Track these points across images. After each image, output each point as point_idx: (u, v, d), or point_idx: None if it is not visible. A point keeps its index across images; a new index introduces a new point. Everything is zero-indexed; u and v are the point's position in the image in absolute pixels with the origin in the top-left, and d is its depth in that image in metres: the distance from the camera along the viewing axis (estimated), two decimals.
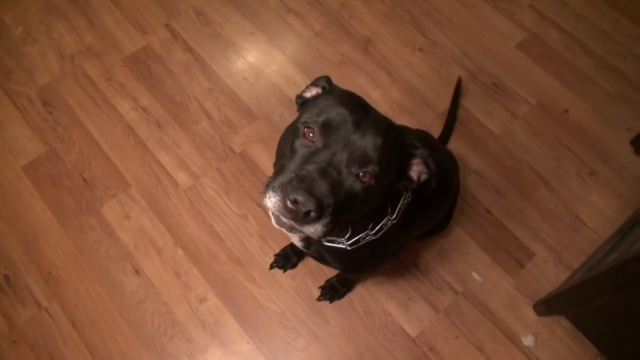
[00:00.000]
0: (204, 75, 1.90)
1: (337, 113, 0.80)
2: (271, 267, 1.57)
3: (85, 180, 1.71)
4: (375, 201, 0.87)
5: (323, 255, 1.10)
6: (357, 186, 0.79)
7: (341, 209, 0.77)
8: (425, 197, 1.07)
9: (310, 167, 0.75)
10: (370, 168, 0.79)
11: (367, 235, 0.97)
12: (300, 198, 0.72)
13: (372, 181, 0.80)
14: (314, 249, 1.10)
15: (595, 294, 1.28)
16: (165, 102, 1.84)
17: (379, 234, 0.97)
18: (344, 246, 0.98)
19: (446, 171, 1.27)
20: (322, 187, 0.74)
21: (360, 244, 0.98)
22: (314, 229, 0.76)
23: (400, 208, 0.97)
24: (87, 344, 1.48)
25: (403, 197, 0.97)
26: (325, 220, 0.75)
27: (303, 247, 1.11)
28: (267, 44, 1.98)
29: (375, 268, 1.25)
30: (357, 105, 0.84)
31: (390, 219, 0.97)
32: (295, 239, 1.10)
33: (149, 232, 1.63)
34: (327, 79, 0.95)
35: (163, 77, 1.89)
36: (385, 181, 0.85)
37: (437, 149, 1.34)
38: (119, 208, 1.66)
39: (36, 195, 1.68)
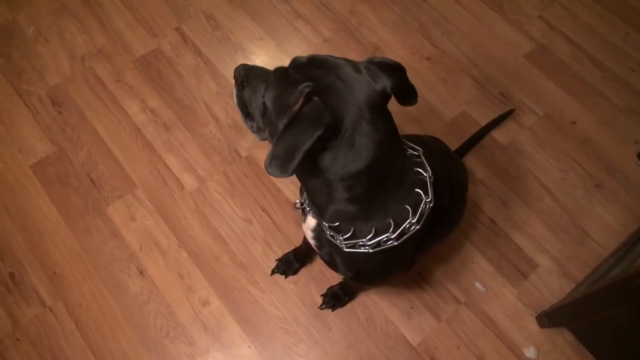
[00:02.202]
0: (213, 79, 1.91)
1: None
2: (272, 272, 1.57)
3: (92, 181, 1.72)
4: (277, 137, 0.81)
5: (334, 260, 1.07)
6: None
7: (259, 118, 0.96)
8: (441, 208, 1.03)
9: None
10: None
11: (388, 239, 0.93)
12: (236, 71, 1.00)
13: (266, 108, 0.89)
14: (325, 250, 1.08)
15: (599, 307, 1.27)
16: (173, 105, 1.86)
17: (401, 240, 0.93)
18: (365, 250, 0.94)
19: (460, 180, 1.26)
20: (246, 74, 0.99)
21: (382, 247, 0.94)
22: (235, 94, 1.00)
23: (422, 213, 0.92)
24: (90, 344, 1.49)
25: (424, 201, 0.92)
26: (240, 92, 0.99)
27: (315, 245, 1.10)
28: (276, 49, 1.99)
29: (383, 280, 1.22)
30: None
31: (412, 222, 0.92)
32: (309, 235, 1.09)
33: (154, 233, 1.64)
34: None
35: (172, 80, 1.91)
36: (274, 121, 0.87)
37: (447, 154, 1.33)
38: (124, 209, 1.68)
39: (43, 195, 1.70)
